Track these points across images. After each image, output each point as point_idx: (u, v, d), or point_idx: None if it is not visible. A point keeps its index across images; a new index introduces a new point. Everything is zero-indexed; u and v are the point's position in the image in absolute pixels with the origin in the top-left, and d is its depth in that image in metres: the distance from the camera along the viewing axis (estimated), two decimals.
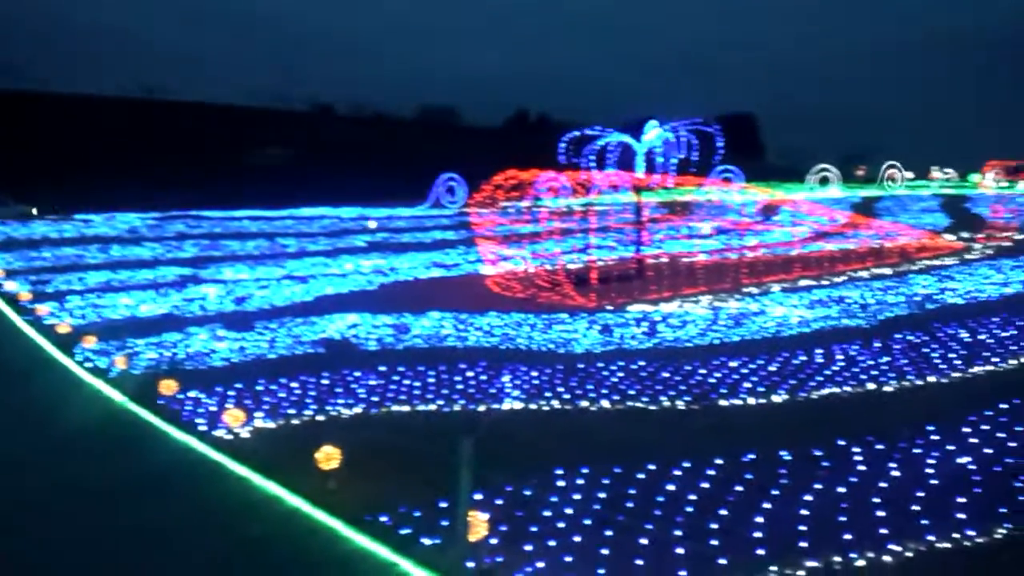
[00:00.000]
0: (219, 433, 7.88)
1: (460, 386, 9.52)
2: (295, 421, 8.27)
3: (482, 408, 8.64)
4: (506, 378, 9.86)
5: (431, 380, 9.81)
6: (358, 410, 8.62)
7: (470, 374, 10.06)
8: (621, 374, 9.97)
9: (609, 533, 5.51)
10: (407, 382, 9.72)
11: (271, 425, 8.16)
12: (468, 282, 19.34)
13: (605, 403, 8.78)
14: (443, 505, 5.84)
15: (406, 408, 8.68)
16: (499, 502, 5.99)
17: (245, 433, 7.89)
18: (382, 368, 10.33)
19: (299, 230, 34.91)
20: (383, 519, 5.75)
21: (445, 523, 5.56)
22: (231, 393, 9.29)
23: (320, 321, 13.84)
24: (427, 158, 65.06)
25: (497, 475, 6.21)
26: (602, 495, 6.18)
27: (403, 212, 45.90)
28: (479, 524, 5.11)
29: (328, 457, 6.52)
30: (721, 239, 27.11)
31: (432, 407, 8.71)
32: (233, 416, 8.03)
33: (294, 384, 9.67)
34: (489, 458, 5.30)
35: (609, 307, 14.95)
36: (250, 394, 9.26)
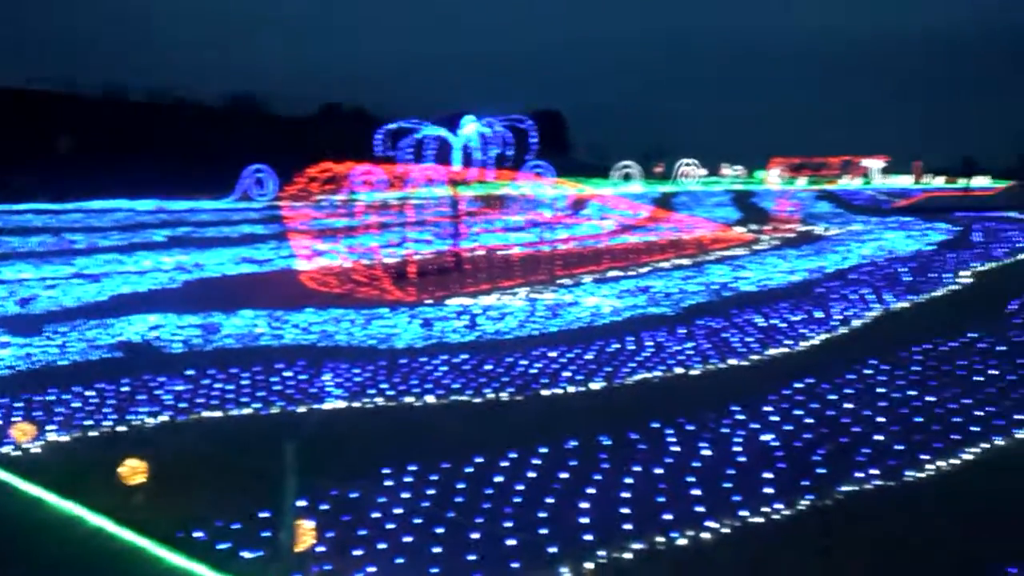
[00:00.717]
0: (5, 450, 7.08)
1: (278, 387, 9.10)
2: (93, 433, 7.57)
3: (302, 409, 8.31)
4: (327, 377, 9.55)
5: (245, 383, 9.31)
6: (164, 418, 8.02)
7: (288, 374, 9.66)
8: (444, 368, 9.93)
9: (440, 530, 5.43)
10: (219, 386, 9.17)
11: (65, 439, 7.42)
12: (282, 278, 18.62)
13: (430, 398, 8.70)
14: (264, 515, 5.53)
15: (219, 414, 8.19)
16: (325, 507, 5.76)
17: (36, 449, 7.14)
18: (190, 372, 9.69)
19: (89, 224, 32.25)
20: (198, 535, 5.37)
21: (267, 534, 5.27)
22: (18, 405, 8.38)
23: (117, 323, 12.80)
24: (233, 148, 62.11)
25: (321, 479, 5.97)
26: (431, 492, 6.10)
27: (207, 205, 43.55)
28: (304, 533, 4.88)
29: (133, 471, 6.01)
30: (535, 232, 27.77)
31: (248, 411, 8.27)
32: (21, 430, 7.24)
33: (90, 393, 8.86)
34: (312, 462, 5.05)
35: (429, 301, 14.89)
36: (40, 405, 8.39)
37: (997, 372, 9.27)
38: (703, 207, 47.46)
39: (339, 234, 22.72)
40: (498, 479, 6.34)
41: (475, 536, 5.35)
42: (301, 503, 5.34)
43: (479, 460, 6.71)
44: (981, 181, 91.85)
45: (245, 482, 6.11)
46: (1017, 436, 7.21)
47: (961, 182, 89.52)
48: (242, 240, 27.48)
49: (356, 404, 8.48)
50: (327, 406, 8.40)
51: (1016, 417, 7.69)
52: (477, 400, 8.66)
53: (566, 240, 25.65)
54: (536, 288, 16.47)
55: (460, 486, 6.20)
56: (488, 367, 9.97)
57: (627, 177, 79.24)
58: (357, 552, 5.15)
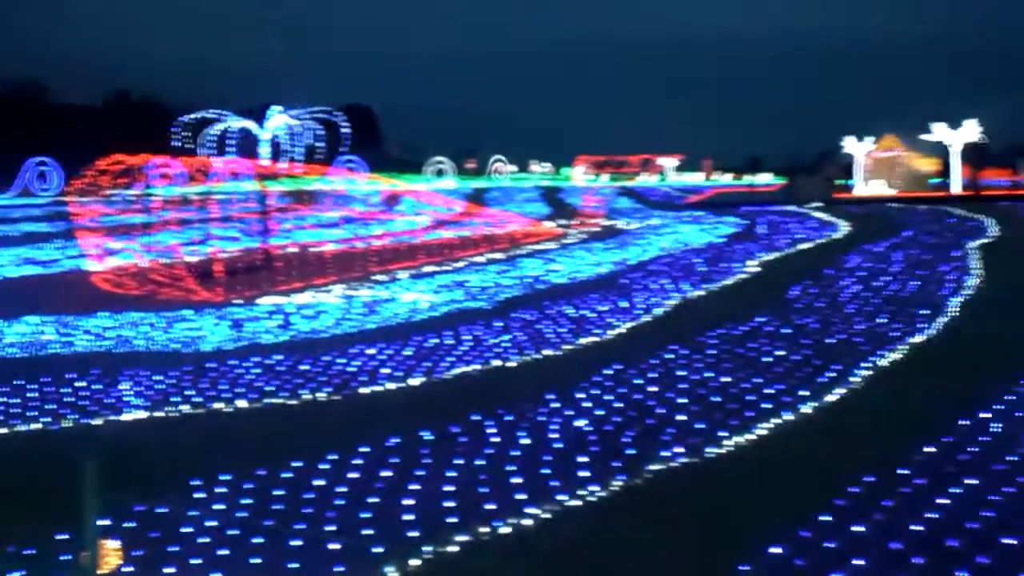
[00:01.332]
0: None
1: (70, 399, 8.41)
2: None
3: (99, 422, 7.71)
4: (125, 385, 8.93)
5: (33, 395, 8.53)
6: None
7: (81, 384, 8.94)
8: (257, 370, 9.56)
9: (258, 540, 5.23)
10: (2, 399, 8.34)
11: None
12: (71, 280, 17.19)
13: (242, 403, 8.34)
14: (63, 538, 5.09)
15: (3, 431, 7.45)
16: (130, 525, 5.38)
17: None
18: None
19: None
20: None
21: (67, 558, 4.86)
22: None
23: None
24: (11, 139, 56.58)
25: (125, 495, 5.57)
26: (247, 501, 5.85)
27: None
28: (109, 553, 4.53)
29: None
30: (349, 228, 27.30)
31: (37, 426, 7.58)
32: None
33: None
34: (114, 477, 4.71)
35: (238, 301, 14.27)
36: None
37: (783, 352, 10.14)
38: (514, 203, 48.57)
39: (134, 231, 21.27)
40: (318, 483, 6.19)
41: (296, 543, 5.20)
42: (103, 522, 4.96)
43: (297, 464, 6.51)
44: (764, 178, 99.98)
45: (38, 503, 5.60)
46: (802, 410, 7.92)
47: (747, 179, 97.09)
48: (24, 239, 25.12)
49: (159, 413, 7.99)
50: (127, 417, 7.85)
51: (801, 393, 8.44)
52: (293, 402, 8.41)
53: (381, 236, 25.41)
54: (351, 285, 16.21)
55: (278, 493, 6.00)
56: (304, 367, 9.70)
57: (440, 173, 79.70)
58: (169, 570, 4.85)
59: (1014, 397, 7.94)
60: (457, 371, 9.60)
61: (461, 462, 6.58)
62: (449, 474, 6.33)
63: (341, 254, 21.09)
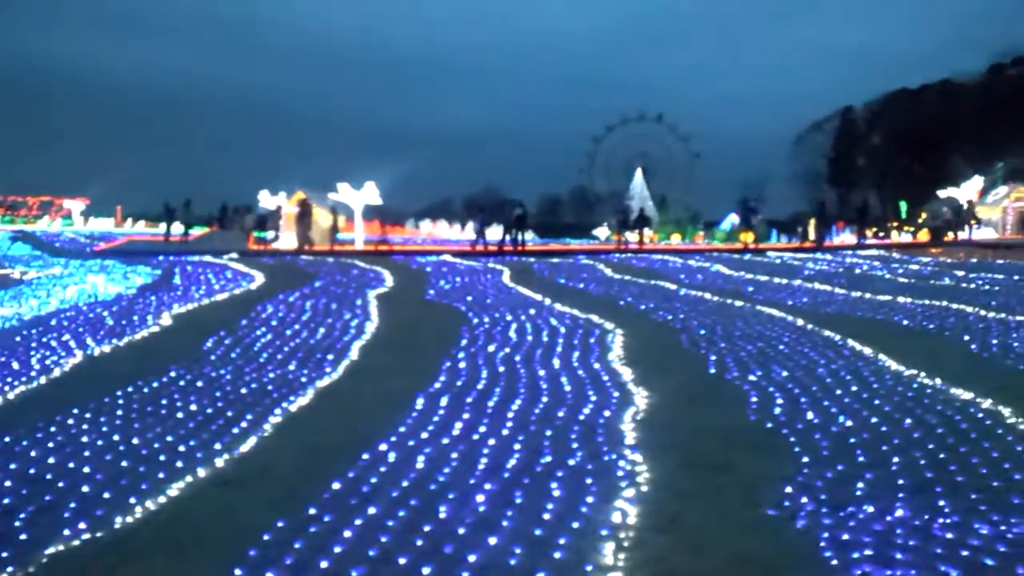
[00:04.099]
0: None
1: None
2: None
3: None
4: None
5: None
6: None
7: None
8: None
9: None
10: None
11: None
12: None
13: None
14: None
15: None
16: None
17: None
18: None
19: None
20: None
21: None
22: None
23: None
24: None
25: None
26: None
27: None
28: None
29: None
30: None
31: None
32: None
33: None
34: None
35: None
36: None
37: (195, 407, 9.94)
38: None
39: None
40: None
41: None
42: None
43: None
44: (180, 227, 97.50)
45: None
46: (217, 463, 7.84)
47: (162, 227, 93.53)
48: None
49: None
50: None
51: (215, 446, 8.35)
52: None
53: None
54: None
55: None
56: None
57: None
58: None
59: (403, 428, 9.01)
60: None
61: None
62: None
63: None
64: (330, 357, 13.31)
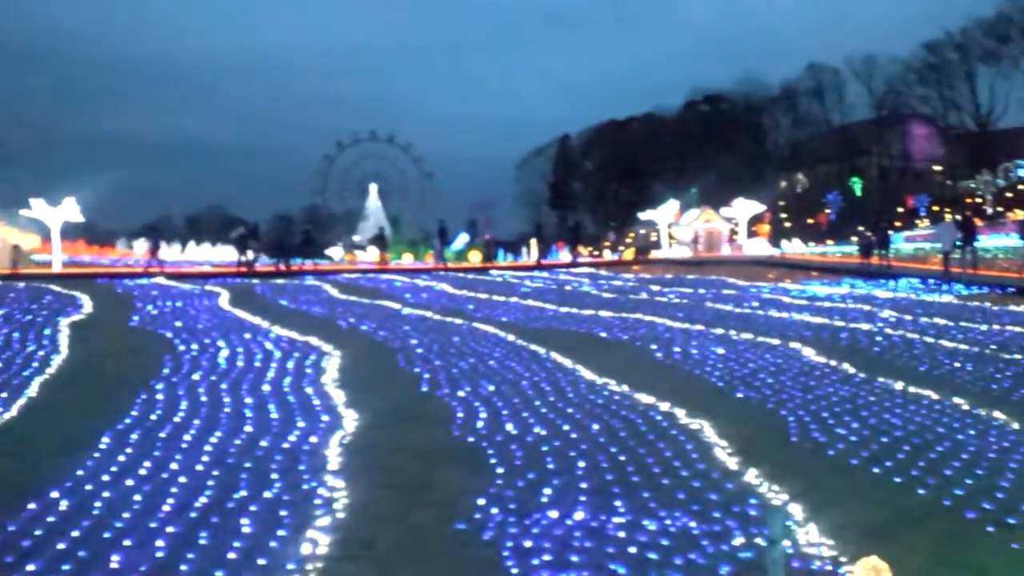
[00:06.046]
0: None
1: None
2: None
3: None
4: None
5: None
6: None
7: None
8: None
9: None
10: None
11: None
12: None
13: None
14: None
15: None
16: None
17: None
18: None
19: None
20: None
21: None
22: None
23: None
24: None
25: None
26: None
27: None
28: None
29: None
30: None
31: None
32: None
33: None
34: None
35: None
36: None
37: None
38: None
39: None
40: None
41: None
42: None
43: None
44: None
45: None
46: None
47: None
48: None
49: None
50: None
51: None
52: None
53: None
54: None
55: None
56: None
57: None
58: None
59: (82, 472, 8.20)
60: None
61: None
62: None
63: None
64: (3, 395, 11.82)
